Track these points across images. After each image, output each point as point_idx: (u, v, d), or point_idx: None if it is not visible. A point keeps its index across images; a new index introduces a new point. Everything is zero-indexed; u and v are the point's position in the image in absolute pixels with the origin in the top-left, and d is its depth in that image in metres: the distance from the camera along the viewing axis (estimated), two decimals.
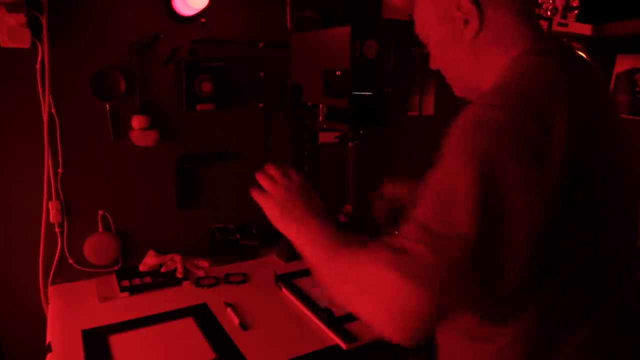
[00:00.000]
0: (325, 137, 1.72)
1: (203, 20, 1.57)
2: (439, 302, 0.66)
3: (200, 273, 1.56)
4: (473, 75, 0.86)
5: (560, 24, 2.20)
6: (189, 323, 1.28)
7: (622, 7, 2.26)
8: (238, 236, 1.70)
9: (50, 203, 1.46)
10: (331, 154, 1.88)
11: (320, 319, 1.27)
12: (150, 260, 1.58)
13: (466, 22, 0.81)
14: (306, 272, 1.58)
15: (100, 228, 1.54)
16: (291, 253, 1.70)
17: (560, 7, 2.18)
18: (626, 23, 2.31)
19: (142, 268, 1.56)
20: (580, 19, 2.29)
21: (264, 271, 1.58)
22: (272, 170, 1.00)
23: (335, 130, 1.44)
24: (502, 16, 0.81)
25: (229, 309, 1.33)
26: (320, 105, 1.42)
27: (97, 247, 1.53)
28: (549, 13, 2.13)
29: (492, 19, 0.80)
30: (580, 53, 0.86)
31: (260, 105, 1.74)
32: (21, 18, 1.28)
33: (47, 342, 1.21)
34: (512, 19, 0.81)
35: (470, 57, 0.84)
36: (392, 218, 1.23)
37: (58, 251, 1.49)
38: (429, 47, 0.93)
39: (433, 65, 0.94)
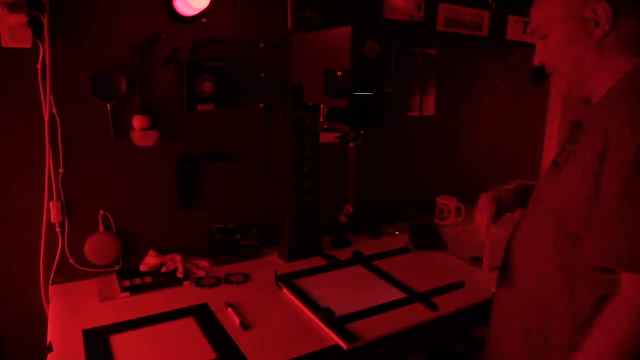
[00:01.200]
0: (325, 137, 1.72)
1: (204, 20, 1.57)
2: None
3: (201, 273, 1.57)
4: (589, 73, 0.93)
5: None
6: (189, 323, 1.28)
7: None
8: (238, 236, 1.70)
9: (51, 203, 1.46)
10: (331, 154, 1.89)
11: (321, 319, 1.28)
12: (150, 260, 1.58)
13: (597, 23, 0.89)
14: (306, 272, 1.58)
15: (100, 228, 1.54)
16: (291, 253, 1.70)
17: None
18: None
19: (142, 268, 1.56)
20: None
21: (264, 271, 1.58)
22: None
23: (336, 131, 1.44)
24: (629, 22, 0.89)
25: (229, 309, 1.33)
26: (321, 105, 1.42)
27: (97, 247, 1.53)
28: None
29: (620, 25, 0.88)
30: None
31: (261, 105, 1.74)
32: (22, 18, 1.28)
33: (47, 342, 1.21)
34: (638, 26, 0.89)
35: (593, 55, 0.92)
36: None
37: (59, 251, 1.50)
38: (541, 42, 0.98)
39: (538, 59, 1.00)
